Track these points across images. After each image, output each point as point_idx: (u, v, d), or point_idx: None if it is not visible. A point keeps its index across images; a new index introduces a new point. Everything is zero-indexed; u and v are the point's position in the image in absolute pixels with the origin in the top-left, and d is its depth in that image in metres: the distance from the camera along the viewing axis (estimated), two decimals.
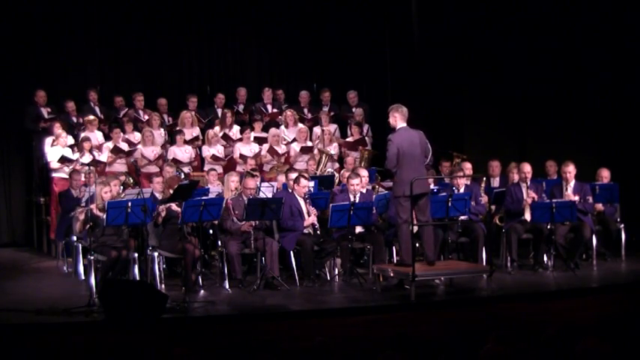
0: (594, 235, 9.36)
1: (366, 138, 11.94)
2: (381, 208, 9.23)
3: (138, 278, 8.11)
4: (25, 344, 6.47)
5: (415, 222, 7.94)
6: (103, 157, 10.92)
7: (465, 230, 9.18)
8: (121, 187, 9.01)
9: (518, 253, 9.24)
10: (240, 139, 11.59)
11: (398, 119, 7.96)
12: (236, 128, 11.88)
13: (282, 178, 9.91)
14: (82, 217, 8.19)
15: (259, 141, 11.61)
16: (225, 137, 11.58)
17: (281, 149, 11.47)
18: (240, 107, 12.48)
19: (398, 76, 13.01)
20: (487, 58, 12.05)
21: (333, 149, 11.74)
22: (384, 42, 13.20)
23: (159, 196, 8.98)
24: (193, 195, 8.38)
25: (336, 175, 10.85)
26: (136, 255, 8.19)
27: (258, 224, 8.55)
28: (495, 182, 10.19)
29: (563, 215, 8.79)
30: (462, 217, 9.04)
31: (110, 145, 11.06)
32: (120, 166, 10.97)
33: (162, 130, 11.63)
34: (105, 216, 7.81)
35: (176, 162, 10.79)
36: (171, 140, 11.48)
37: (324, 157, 11.46)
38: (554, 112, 11.76)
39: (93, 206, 8.07)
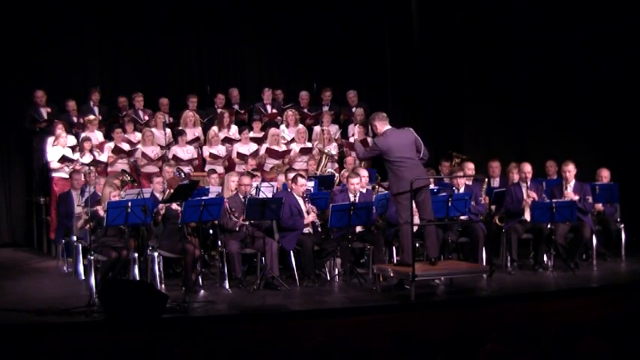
0: (594, 235, 9.36)
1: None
2: (381, 208, 9.22)
3: (138, 278, 8.12)
4: (25, 344, 6.47)
5: (417, 221, 7.97)
6: (103, 157, 10.93)
7: (465, 230, 9.18)
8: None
9: (518, 253, 9.23)
10: (239, 140, 11.60)
11: (379, 126, 8.07)
12: (234, 128, 11.89)
13: (282, 178, 9.92)
14: (85, 216, 8.19)
15: (257, 141, 11.62)
16: (226, 139, 11.59)
17: (280, 149, 11.48)
18: (236, 107, 12.48)
19: (398, 76, 13.01)
20: (487, 58, 12.05)
21: (334, 149, 11.75)
22: (384, 42, 13.19)
23: (159, 196, 8.98)
24: (193, 195, 8.38)
25: (336, 175, 10.86)
26: (136, 255, 8.19)
27: (257, 223, 8.54)
28: (495, 182, 10.19)
29: (563, 215, 8.78)
30: (462, 217, 9.05)
31: (111, 145, 11.07)
32: (121, 166, 10.97)
33: (166, 130, 11.63)
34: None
35: (176, 159, 10.80)
36: (174, 140, 11.49)
37: (324, 158, 11.46)
38: (554, 112, 11.76)
39: (99, 207, 8.07)
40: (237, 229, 8.52)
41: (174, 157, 10.97)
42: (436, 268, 8.00)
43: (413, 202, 7.88)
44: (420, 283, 7.71)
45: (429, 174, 8.82)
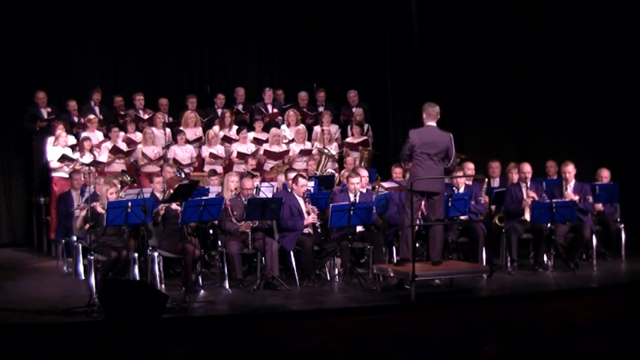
0: (594, 235, 9.36)
1: (368, 138, 11.94)
2: (381, 208, 9.23)
3: (138, 278, 8.11)
4: (25, 344, 6.47)
5: (421, 222, 7.99)
6: (103, 157, 10.92)
7: (464, 230, 9.18)
8: (119, 186, 8.98)
9: (518, 253, 9.23)
10: (238, 140, 11.61)
11: (425, 117, 8.05)
12: (234, 128, 11.89)
13: (282, 178, 9.92)
14: (83, 213, 8.20)
15: (258, 142, 11.62)
16: (226, 139, 11.60)
17: (279, 149, 11.47)
18: (240, 107, 12.48)
19: (398, 76, 13.01)
20: (487, 58, 12.04)
21: (334, 149, 11.75)
22: (384, 42, 13.20)
23: (159, 195, 8.98)
24: (193, 195, 8.38)
25: (336, 175, 10.86)
26: (136, 255, 8.19)
27: (258, 224, 8.55)
28: (495, 182, 10.18)
29: (563, 215, 8.78)
30: (462, 217, 9.05)
31: (109, 145, 11.06)
32: (119, 166, 10.97)
33: (166, 129, 11.62)
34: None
35: (176, 162, 10.79)
36: (174, 140, 11.49)
37: (324, 158, 11.46)
38: (554, 111, 11.76)
39: (97, 204, 8.07)
40: (240, 233, 8.53)
41: (174, 160, 10.94)
42: (436, 268, 8.00)
43: (420, 202, 8.01)
44: (420, 283, 7.71)
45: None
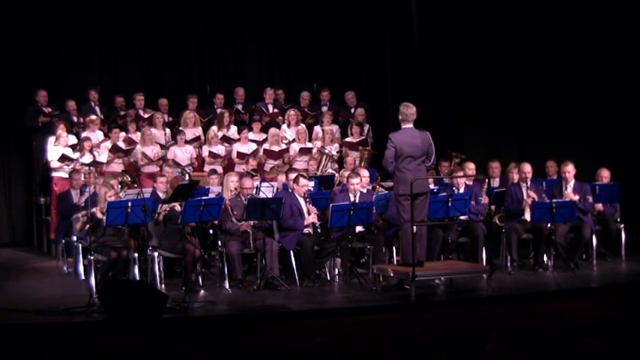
0: (594, 235, 9.36)
1: (367, 138, 11.94)
2: (381, 208, 9.23)
3: (138, 278, 8.12)
4: (25, 344, 6.47)
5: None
6: (103, 157, 10.92)
7: (464, 230, 9.18)
8: (119, 186, 8.99)
9: (518, 253, 9.23)
10: (238, 140, 11.61)
11: (401, 119, 8.02)
12: (234, 128, 11.89)
13: (282, 178, 9.92)
14: (83, 219, 8.21)
15: (255, 143, 11.61)
16: (225, 139, 11.59)
17: (280, 148, 11.46)
18: (239, 107, 12.48)
19: (398, 76, 13.01)
20: (487, 58, 12.04)
21: (334, 149, 11.74)
22: (384, 42, 13.19)
23: (162, 195, 8.98)
24: (193, 195, 8.38)
25: (336, 175, 10.85)
26: (136, 255, 8.19)
27: (258, 224, 8.55)
28: (495, 182, 10.18)
29: (563, 215, 8.79)
30: (462, 217, 9.05)
31: (109, 144, 11.05)
32: (117, 166, 10.97)
33: (166, 129, 11.62)
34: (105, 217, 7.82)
35: (176, 163, 10.79)
36: (173, 140, 11.49)
37: (324, 158, 11.46)
38: (554, 112, 11.76)
39: (96, 209, 8.07)
40: (241, 233, 8.53)
41: (174, 161, 10.94)
42: (436, 268, 8.00)
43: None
44: (420, 283, 7.71)
45: (429, 174, 8.79)
